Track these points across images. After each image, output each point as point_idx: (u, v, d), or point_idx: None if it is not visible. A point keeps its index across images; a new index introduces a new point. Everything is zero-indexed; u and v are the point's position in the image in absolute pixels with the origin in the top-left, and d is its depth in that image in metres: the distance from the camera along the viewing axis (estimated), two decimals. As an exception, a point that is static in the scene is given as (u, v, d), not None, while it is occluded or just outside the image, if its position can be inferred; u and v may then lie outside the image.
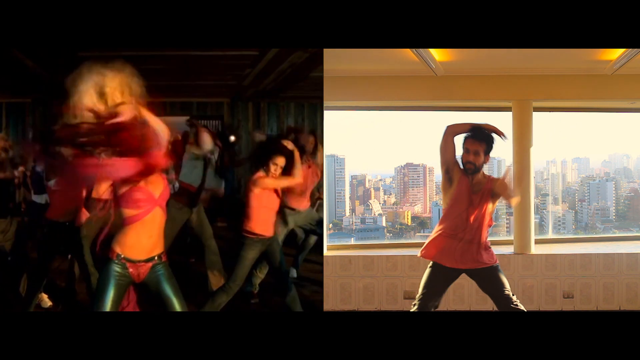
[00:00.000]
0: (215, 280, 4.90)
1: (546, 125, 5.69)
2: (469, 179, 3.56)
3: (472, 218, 3.55)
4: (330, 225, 6.12)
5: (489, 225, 3.66)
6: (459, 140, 3.59)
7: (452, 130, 3.58)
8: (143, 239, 2.81)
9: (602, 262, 5.35)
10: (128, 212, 2.78)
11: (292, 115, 10.26)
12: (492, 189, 3.54)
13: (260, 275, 4.89)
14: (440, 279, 3.61)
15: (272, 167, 3.97)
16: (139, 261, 2.82)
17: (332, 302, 5.35)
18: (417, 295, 3.64)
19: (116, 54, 6.15)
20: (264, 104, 10.10)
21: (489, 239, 3.67)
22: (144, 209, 2.78)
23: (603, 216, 6.38)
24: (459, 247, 3.55)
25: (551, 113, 5.76)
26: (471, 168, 3.53)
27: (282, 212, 4.75)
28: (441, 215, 3.70)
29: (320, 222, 5.18)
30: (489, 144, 3.54)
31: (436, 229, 3.65)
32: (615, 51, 4.53)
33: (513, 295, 3.62)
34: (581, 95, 5.35)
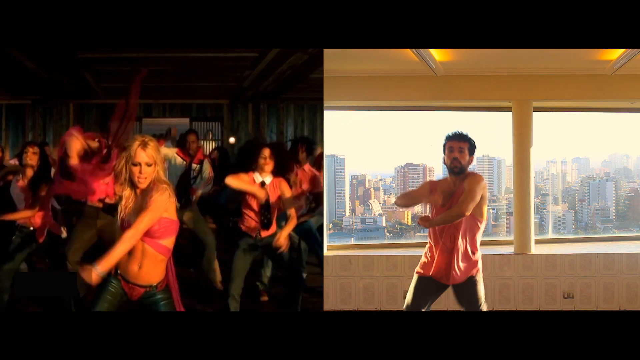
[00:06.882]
0: (218, 275, 4.95)
1: (546, 125, 5.69)
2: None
3: (443, 229, 3.52)
4: (330, 225, 6.12)
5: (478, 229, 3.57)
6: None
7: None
8: (132, 265, 2.85)
9: (602, 262, 5.34)
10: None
11: (292, 117, 10.27)
12: (462, 188, 3.45)
13: (267, 274, 4.89)
14: (426, 289, 3.61)
15: (262, 161, 3.96)
16: (133, 283, 2.88)
17: (332, 302, 5.35)
18: (406, 303, 3.66)
19: (116, 55, 6.20)
20: (263, 106, 10.11)
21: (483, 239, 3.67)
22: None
23: (603, 216, 6.37)
24: (442, 262, 3.54)
25: (551, 113, 5.76)
26: (457, 166, 3.47)
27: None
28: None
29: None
30: (472, 144, 3.53)
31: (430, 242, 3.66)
32: (615, 51, 4.53)
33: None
34: (581, 95, 5.35)
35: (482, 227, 3.56)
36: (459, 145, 3.48)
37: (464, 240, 3.50)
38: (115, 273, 2.87)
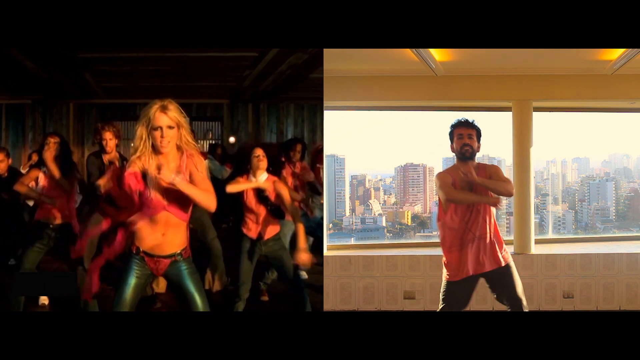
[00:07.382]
0: (215, 283, 4.92)
1: (546, 125, 5.70)
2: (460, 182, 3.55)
3: (475, 215, 3.56)
4: (330, 225, 6.12)
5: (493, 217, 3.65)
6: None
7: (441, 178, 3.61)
8: (156, 236, 2.81)
9: (602, 262, 5.34)
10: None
11: (292, 117, 10.26)
12: (490, 174, 3.57)
13: (271, 276, 4.88)
14: (461, 291, 3.62)
15: (255, 160, 3.98)
16: (158, 256, 2.84)
17: (332, 302, 5.35)
18: (440, 308, 3.65)
19: (116, 55, 6.20)
20: (263, 106, 10.10)
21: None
22: (153, 210, 2.77)
23: (603, 216, 6.38)
24: (473, 250, 3.54)
25: (551, 113, 5.77)
26: (469, 150, 3.56)
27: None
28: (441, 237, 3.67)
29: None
30: (478, 131, 3.62)
31: (445, 249, 3.62)
32: (615, 51, 4.53)
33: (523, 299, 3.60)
34: (581, 95, 5.35)
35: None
36: (467, 132, 3.59)
37: (490, 224, 3.60)
38: (137, 252, 2.84)
